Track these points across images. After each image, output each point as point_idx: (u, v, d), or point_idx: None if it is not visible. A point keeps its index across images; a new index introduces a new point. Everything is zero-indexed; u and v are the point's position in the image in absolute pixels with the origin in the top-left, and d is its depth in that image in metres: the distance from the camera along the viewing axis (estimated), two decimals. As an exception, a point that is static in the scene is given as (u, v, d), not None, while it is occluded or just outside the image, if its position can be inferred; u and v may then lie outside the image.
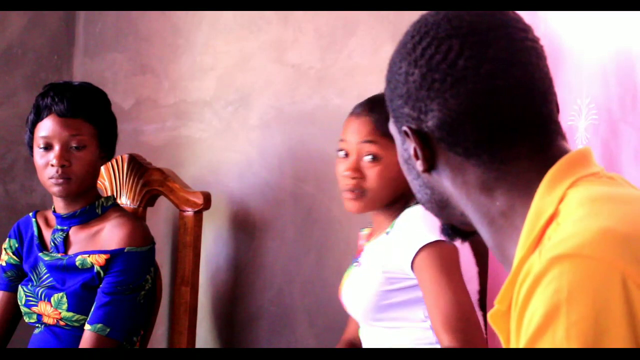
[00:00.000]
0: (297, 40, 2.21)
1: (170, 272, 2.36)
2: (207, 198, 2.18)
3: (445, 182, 0.97)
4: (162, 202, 2.31)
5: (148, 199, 2.25)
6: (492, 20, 0.94)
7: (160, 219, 2.41)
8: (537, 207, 0.89)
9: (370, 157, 1.67)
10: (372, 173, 1.67)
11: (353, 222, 2.11)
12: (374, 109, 1.67)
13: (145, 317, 2.08)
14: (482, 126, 0.92)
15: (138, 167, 2.26)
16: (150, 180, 2.23)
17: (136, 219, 2.07)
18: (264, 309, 2.30)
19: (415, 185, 1.02)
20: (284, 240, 2.26)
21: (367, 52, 2.07)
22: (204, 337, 2.38)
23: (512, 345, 0.84)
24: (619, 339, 0.75)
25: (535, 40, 0.96)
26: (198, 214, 2.19)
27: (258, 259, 2.31)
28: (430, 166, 0.97)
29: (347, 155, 1.71)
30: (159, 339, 2.39)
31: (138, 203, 2.24)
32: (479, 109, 0.92)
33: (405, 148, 0.99)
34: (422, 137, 0.95)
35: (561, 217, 0.86)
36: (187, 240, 2.20)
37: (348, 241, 2.13)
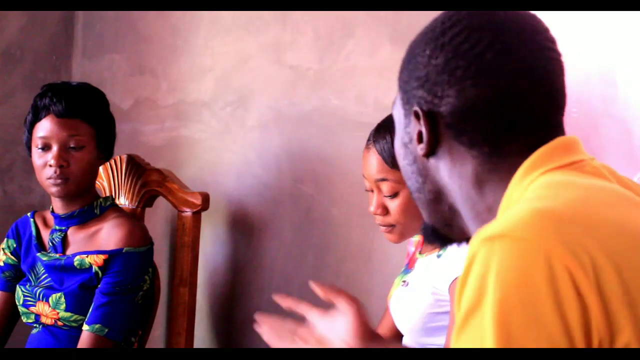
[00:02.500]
0: (296, 42, 2.21)
1: (169, 272, 2.36)
2: (205, 199, 2.18)
3: (442, 171, 0.98)
4: (161, 203, 2.31)
5: (146, 199, 2.25)
6: (524, 24, 0.96)
7: (158, 220, 2.41)
8: (507, 197, 0.91)
9: (388, 193, 1.60)
10: (393, 207, 1.61)
11: (352, 223, 2.11)
12: (378, 140, 1.61)
13: (143, 318, 2.08)
14: (494, 120, 0.94)
15: (136, 167, 2.26)
16: (149, 180, 2.23)
17: (134, 219, 2.07)
18: (262, 309, 2.29)
19: (408, 170, 1.03)
20: (283, 240, 2.26)
21: (365, 53, 2.07)
22: (202, 337, 2.38)
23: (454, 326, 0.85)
24: (545, 316, 0.76)
25: (558, 54, 0.98)
26: (196, 215, 2.19)
27: (256, 260, 2.31)
28: (431, 151, 0.98)
29: (371, 190, 1.65)
30: (157, 339, 2.39)
31: (136, 203, 2.25)
32: (496, 102, 0.93)
33: (408, 131, 1.00)
34: (432, 121, 0.96)
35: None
36: (185, 241, 2.20)
37: (347, 242, 2.13)
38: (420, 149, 0.98)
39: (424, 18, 1.04)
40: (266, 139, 2.28)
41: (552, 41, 0.97)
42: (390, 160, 1.57)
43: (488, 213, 0.95)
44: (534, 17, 0.98)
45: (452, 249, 1.59)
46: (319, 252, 2.19)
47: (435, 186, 1.00)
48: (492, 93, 0.93)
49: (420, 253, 1.73)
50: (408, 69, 1.00)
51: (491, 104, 0.93)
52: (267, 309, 2.29)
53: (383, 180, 1.61)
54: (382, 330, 1.84)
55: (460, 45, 0.94)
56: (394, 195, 1.60)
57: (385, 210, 1.62)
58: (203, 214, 2.21)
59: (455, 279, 1.54)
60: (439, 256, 1.63)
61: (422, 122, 0.97)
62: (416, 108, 0.97)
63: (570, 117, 1.63)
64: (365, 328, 1.23)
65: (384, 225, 1.64)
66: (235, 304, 2.36)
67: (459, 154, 0.96)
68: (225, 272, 2.38)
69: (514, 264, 0.78)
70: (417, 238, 1.79)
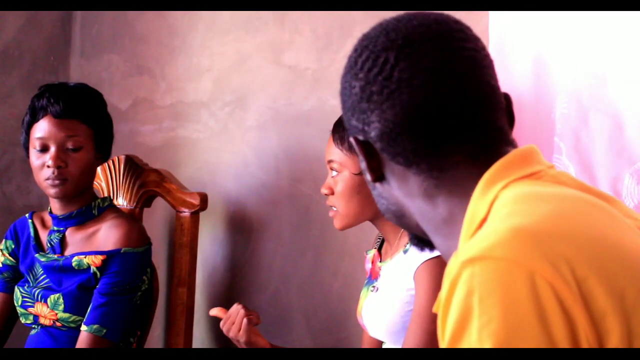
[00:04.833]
0: (294, 41, 2.21)
1: (167, 272, 2.36)
2: (203, 199, 2.18)
3: (395, 191, 0.99)
4: (159, 203, 2.31)
5: (145, 199, 2.25)
6: (426, 32, 0.95)
7: (156, 220, 2.41)
8: (471, 212, 0.91)
9: (333, 173, 1.69)
10: (337, 189, 1.69)
11: (349, 222, 2.11)
12: (335, 126, 1.70)
13: (141, 318, 2.08)
14: (418, 136, 0.94)
15: (134, 168, 2.26)
16: (147, 181, 2.23)
17: (132, 219, 2.07)
18: (261, 309, 2.30)
19: (375, 195, 1.05)
20: (281, 240, 2.26)
21: (363, 52, 2.07)
22: (201, 337, 2.38)
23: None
24: (531, 336, 0.76)
25: (475, 50, 0.96)
26: (194, 215, 2.19)
27: (255, 260, 2.31)
28: (378, 176, 1.00)
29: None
30: (155, 339, 2.39)
31: (134, 204, 2.24)
32: (414, 119, 0.94)
33: (361, 160, 1.01)
34: (367, 148, 0.98)
35: (489, 219, 0.88)
36: (183, 241, 2.20)
37: (344, 242, 2.13)
38: (368, 175, 1.00)
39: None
40: (264, 139, 2.28)
41: (462, 40, 0.96)
42: (340, 142, 1.66)
43: (446, 226, 0.95)
44: (442, 21, 0.97)
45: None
46: (317, 251, 2.19)
47: (397, 206, 1.01)
48: (407, 111, 0.93)
49: (380, 262, 1.75)
50: (342, 101, 1.02)
51: (409, 121, 0.93)
52: (266, 309, 2.30)
53: (330, 161, 1.69)
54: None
55: (370, 71, 0.95)
56: (336, 173, 1.68)
57: (332, 191, 1.70)
58: (201, 214, 2.21)
59: (420, 265, 1.57)
60: (405, 252, 1.65)
61: (359, 150, 0.99)
62: (352, 138, 0.99)
63: (561, 113, 1.65)
64: None
65: (330, 206, 1.71)
66: (234, 304, 2.35)
67: (401, 174, 0.97)
68: (224, 272, 2.38)
69: (497, 284, 0.78)
70: (371, 254, 1.82)
